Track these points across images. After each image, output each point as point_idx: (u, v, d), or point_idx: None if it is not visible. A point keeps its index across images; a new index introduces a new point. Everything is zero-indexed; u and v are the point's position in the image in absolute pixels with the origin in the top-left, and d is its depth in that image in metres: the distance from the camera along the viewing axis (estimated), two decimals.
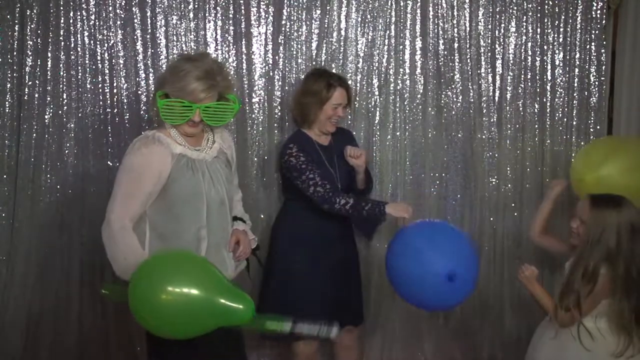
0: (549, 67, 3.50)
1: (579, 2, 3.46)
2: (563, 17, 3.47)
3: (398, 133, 3.45)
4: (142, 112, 3.24)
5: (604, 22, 3.47)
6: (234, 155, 2.55)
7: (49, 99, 3.19)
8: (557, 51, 3.49)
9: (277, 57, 3.34)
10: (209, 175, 2.33)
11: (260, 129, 3.36)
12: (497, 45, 3.47)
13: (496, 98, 3.49)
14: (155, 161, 2.23)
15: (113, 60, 3.21)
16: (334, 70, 3.29)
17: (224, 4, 3.27)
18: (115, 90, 3.22)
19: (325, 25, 3.35)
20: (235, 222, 2.52)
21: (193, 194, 2.27)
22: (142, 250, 2.23)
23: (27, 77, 3.17)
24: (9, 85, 3.18)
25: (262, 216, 3.37)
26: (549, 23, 3.47)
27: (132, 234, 2.22)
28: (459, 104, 3.47)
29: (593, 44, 3.49)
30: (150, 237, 2.29)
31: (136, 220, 2.26)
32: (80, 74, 3.21)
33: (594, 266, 2.30)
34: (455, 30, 3.43)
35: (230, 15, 3.29)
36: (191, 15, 3.26)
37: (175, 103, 2.22)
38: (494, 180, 3.52)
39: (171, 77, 2.22)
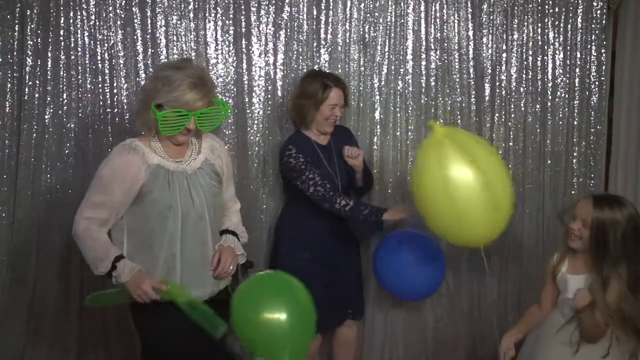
0: (549, 67, 3.50)
1: (579, 2, 3.46)
2: (563, 17, 3.47)
3: (398, 133, 3.45)
4: None
5: (604, 22, 3.47)
6: (226, 166, 2.47)
7: (49, 99, 3.19)
8: (557, 51, 3.49)
9: (277, 57, 3.34)
10: (188, 187, 2.27)
11: (261, 128, 3.35)
12: (497, 45, 3.46)
13: (497, 98, 3.49)
14: (127, 171, 2.20)
15: (113, 60, 3.20)
16: (338, 71, 3.30)
17: (224, 4, 3.27)
18: (115, 90, 3.22)
19: (326, 25, 3.35)
20: (223, 237, 2.44)
21: (167, 207, 2.22)
22: (108, 245, 2.22)
23: (27, 77, 3.17)
24: (9, 85, 3.18)
25: (262, 217, 3.37)
26: (549, 23, 3.47)
27: (98, 231, 2.22)
28: (459, 104, 3.47)
29: (593, 44, 3.49)
30: (128, 247, 2.26)
31: (111, 228, 2.26)
32: (80, 74, 3.21)
33: (607, 269, 2.26)
34: (456, 30, 3.43)
35: (230, 15, 3.29)
36: (191, 15, 3.25)
37: (172, 113, 2.19)
38: None
39: (164, 88, 2.18)
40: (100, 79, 3.21)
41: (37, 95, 3.18)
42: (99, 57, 3.21)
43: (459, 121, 3.47)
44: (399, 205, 2.95)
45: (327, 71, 3.22)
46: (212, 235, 2.35)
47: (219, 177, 2.40)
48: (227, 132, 3.33)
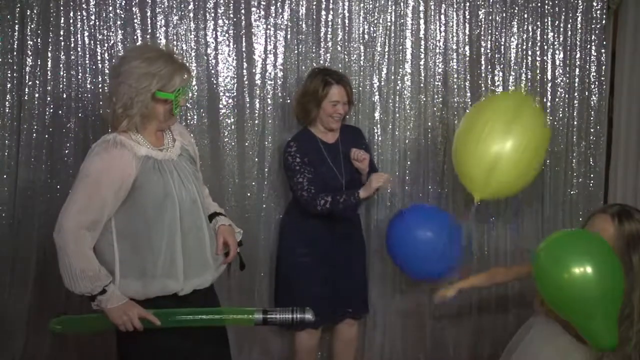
0: (549, 67, 3.50)
1: (579, 2, 3.46)
2: (563, 17, 3.47)
3: (398, 133, 3.45)
4: None
5: (604, 22, 3.47)
6: (197, 151, 2.46)
7: (49, 99, 3.20)
8: (557, 51, 3.49)
9: (277, 57, 3.34)
10: (177, 174, 2.23)
11: (261, 129, 3.36)
12: (497, 45, 3.47)
13: None
14: (117, 167, 2.11)
15: (113, 60, 3.20)
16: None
17: (224, 4, 3.28)
18: None
19: (326, 25, 3.35)
20: (218, 218, 2.43)
21: (164, 196, 2.16)
22: (98, 265, 2.10)
23: (27, 77, 3.17)
24: (9, 85, 3.18)
25: (262, 214, 3.38)
26: (549, 23, 3.47)
27: (88, 245, 2.10)
28: (458, 104, 3.47)
29: (593, 44, 3.49)
30: (120, 249, 2.16)
31: (98, 231, 2.12)
32: (80, 74, 3.21)
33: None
34: (455, 30, 3.43)
35: (231, 15, 3.29)
36: (191, 15, 3.26)
37: (172, 95, 2.18)
38: None
39: (160, 74, 2.14)
40: (100, 79, 3.22)
41: (37, 95, 3.19)
42: (99, 57, 3.21)
43: (456, 121, 3.47)
44: (372, 178, 2.88)
45: (332, 69, 3.20)
46: (205, 219, 2.33)
47: (194, 161, 2.39)
48: (226, 132, 3.33)
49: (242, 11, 3.29)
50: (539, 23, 3.46)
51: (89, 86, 3.22)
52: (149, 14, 3.22)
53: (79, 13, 3.18)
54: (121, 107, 2.15)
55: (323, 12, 3.34)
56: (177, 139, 2.34)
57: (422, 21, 3.40)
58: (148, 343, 2.20)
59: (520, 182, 2.81)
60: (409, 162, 3.48)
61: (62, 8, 3.15)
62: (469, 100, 3.46)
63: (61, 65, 3.19)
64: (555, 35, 3.48)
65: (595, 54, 3.49)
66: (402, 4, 3.39)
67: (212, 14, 3.28)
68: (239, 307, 2.37)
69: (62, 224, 2.08)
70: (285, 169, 3.02)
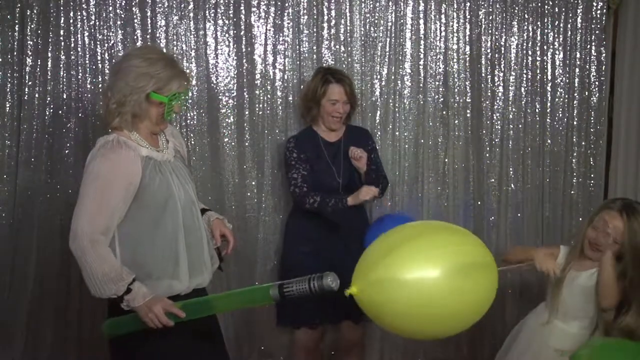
0: (549, 67, 3.50)
1: (579, 2, 3.46)
2: (563, 17, 3.47)
3: (397, 133, 3.45)
4: None
5: (604, 22, 3.48)
6: (186, 152, 2.45)
7: (49, 99, 3.20)
8: (557, 51, 3.49)
9: (276, 57, 3.35)
10: (176, 175, 2.22)
11: (261, 129, 3.36)
12: (497, 45, 3.47)
13: (496, 98, 3.49)
14: (125, 167, 2.08)
15: (113, 60, 3.20)
16: None
17: (224, 4, 3.28)
18: None
19: (328, 25, 3.35)
20: (209, 213, 2.41)
21: (167, 197, 2.14)
22: (119, 265, 2.04)
23: (27, 77, 3.18)
24: (9, 85, 3.19)
25: (262, 214, 3.38)
26: (549, 23, 3.48)
27: (106, 247, 2.05)
28: (458, 104, 3.47)
29: (593, 44, 3.49)
30: (122, 253, 2.10)
31: (110, 236, 2.08)
32: (80, 74, 3.22)
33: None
34: (455, 30, 3.43)
35: (231, 15, 3.29)
36: (191, 15, 3.26)
37: (165, 99, 2.15)
38: (493, 180, 3.52)
39: (158, 76, 2.12)
40: (100, 79, 3.22)
41: (37, 95, 3.19)
42: (99, 57, 3.22)
43: (456, 121, 3.48)
44: (362, 188, 2.85)
45: (336, 68, 3.18)
46: (201, 219, 2.32)
47: (184, 161, 2.38)
48: (226, 132, 3.33)
49: (242, 11, 3.29)
50: (539, 23, 3.47)
51: (89, 86, 3.22)
52: (149, 14, 3.22)
53: (79, 13, 3.18)
54: (115, 103, 2.13)
55: (324, 12, 3.34)
56: (170, 139, 2.33)
57: (422, 21, 3.40)
58: (140, 349, 2.17)
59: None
60: (408, 162, 3.48)
61: (62, 8, 3.16)
62: (469, 100, 3.47)
63: (61, 65, 3.20)
64: (555, 35, 3.49)
65: (595, 54, 3.49)
66: (402, 4, 3.39)
67: (212, 14, 3.28)
68: (253, 287, 2.25)
69: (76, 232, 2.03)
70: (283, 163, 3.07)
